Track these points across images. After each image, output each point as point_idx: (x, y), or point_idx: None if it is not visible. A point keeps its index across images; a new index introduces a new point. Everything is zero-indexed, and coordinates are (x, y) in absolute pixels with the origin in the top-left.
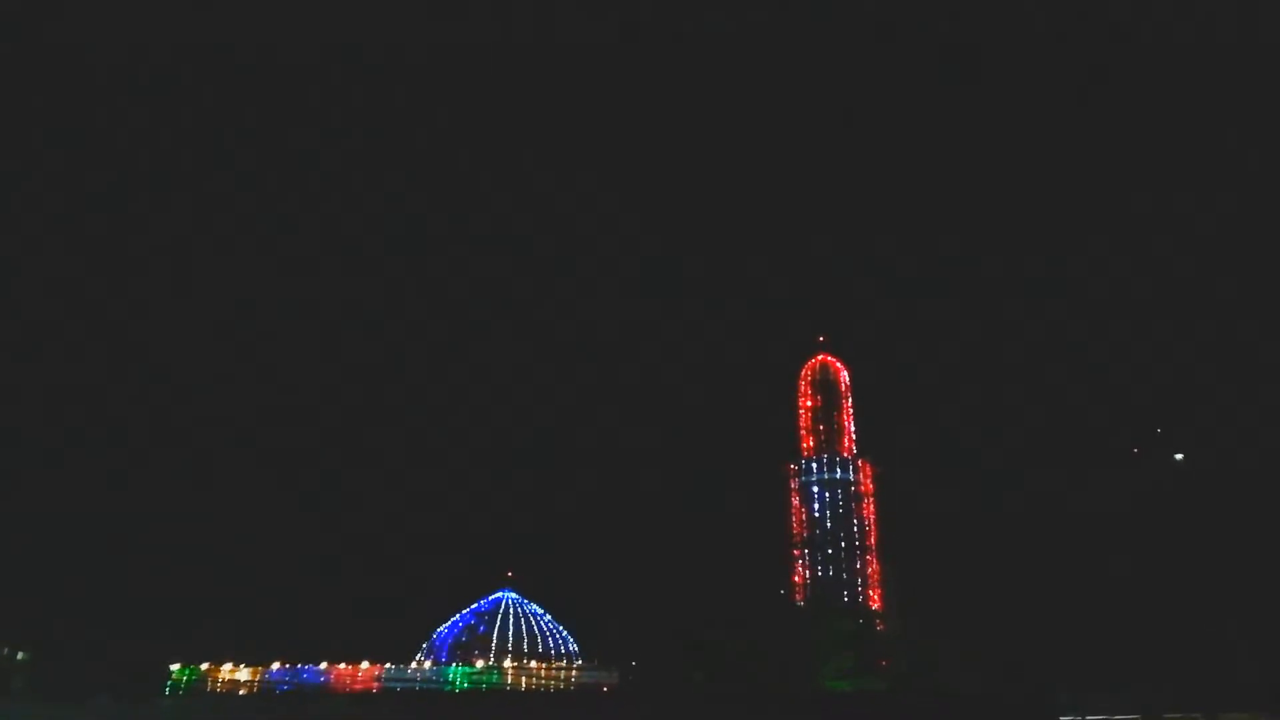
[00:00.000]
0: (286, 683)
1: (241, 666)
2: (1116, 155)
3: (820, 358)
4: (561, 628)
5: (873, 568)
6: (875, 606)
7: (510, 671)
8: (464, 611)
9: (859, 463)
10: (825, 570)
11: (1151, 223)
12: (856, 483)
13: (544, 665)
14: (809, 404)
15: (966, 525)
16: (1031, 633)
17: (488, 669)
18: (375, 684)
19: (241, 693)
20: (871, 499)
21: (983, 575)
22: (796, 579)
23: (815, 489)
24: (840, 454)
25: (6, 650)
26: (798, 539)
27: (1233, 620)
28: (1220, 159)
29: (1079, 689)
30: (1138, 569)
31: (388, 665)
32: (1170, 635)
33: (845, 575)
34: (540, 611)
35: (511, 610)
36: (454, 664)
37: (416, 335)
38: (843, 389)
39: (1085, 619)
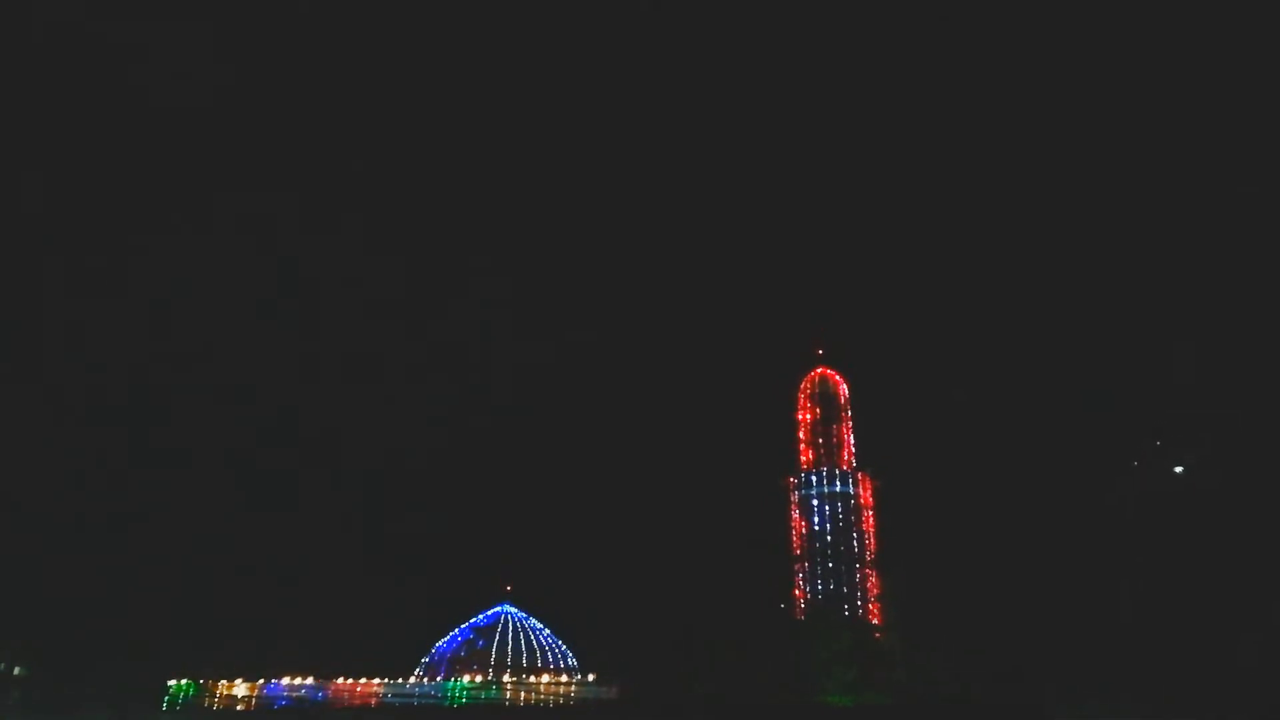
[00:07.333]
0: (285, 698)
1: (239, 681)
2: (1116, 166)
3: (819, 370)
4: (561, 642)
5: (873, 581)
6: (875, 620)
7: (509, 686)
8: (463, 626)
9: (859, 476)
10: (826, 584)
11: (1151, 233)
12: (856, 496)
13: (543, 680)
14: (808, 417)
15: (967, 538)
16: (1032, 644)
17: (487, 684)
18: (374, 699)
19: (240, 708)
20: (871, 512)
21: (983, 588)
22: (797, 593)
23: (815, 502)
24: (840, 467)
25: (3, 665)
26: (798, 553)
27: (1235, 629)
28: (1220, 167)
29: (1079, 699)
30: (1139, 581)
31: (386, 680)
32: (1171, 646)
33: (845, 589)
34: (539, 626)
35: (511, 625)
36: (453, 679)
37: (419, 346)
38: (842, 401)
39: (1086, 630)
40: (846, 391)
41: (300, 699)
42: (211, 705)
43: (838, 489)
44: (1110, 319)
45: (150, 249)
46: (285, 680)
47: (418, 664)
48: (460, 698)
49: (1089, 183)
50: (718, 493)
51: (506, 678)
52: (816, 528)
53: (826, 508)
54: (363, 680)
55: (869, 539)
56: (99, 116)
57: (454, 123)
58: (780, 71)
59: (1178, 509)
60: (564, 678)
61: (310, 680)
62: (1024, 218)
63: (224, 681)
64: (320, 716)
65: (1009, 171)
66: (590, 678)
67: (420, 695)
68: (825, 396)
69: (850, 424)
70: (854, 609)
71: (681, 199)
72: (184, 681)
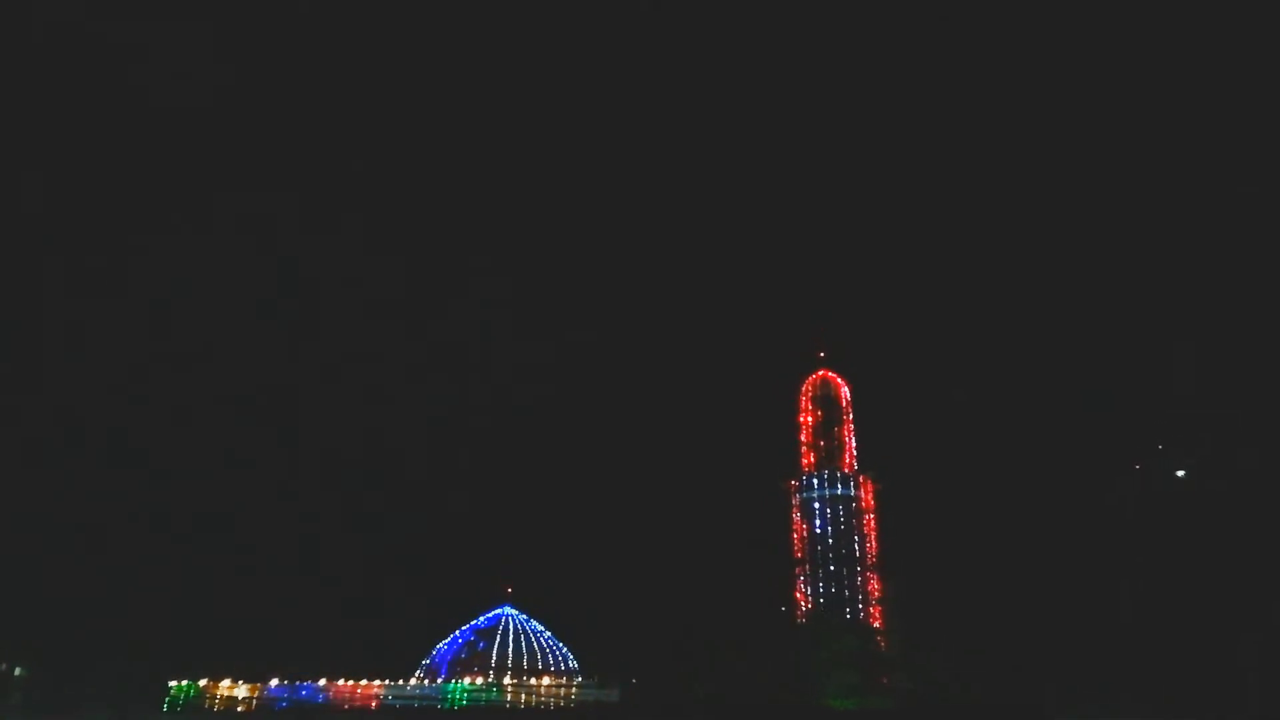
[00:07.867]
0: (285, 699)
1: (240, 683)
2: (1116, 167)
3: (820, 373)
4: (562, 644)
5: (874, 584)
6: (876, 623)
7: (510, 688)
8: (464, 628)
9: (860, 478)
10: (827, 587)
11: (1151, 234)
12: (858, 499)
13: (544, 682)
14: (809, 419)
15: (968, 540)
16: (1033, 647)
17: (488, 686)
18: (374, 701)
19: (240, 709)
20: (873, 515)
21: (984, 589)
22: (798, 596)
23: (816, 505)
24: (841, 470)
25: (4, 666)
26: (799, 555)
27: (1235, 629)
28: (1220, 167)
29: (1079, 699)
30: (1139, 581)
31: (387, 682)
32: (1171, 646)
33: (847, 592)
34: (540, 628)
35: (512, 627)
36: (454, 681)
37: (418, 346)
38: (843, 404)
39: (1086, 630)
40: (848, 394)
41: (300, 701)
42: (212, 707)
43: (839, 492)
44: (1111, 320)
45: (150, 249)
46: (286, 681)
47: (418, 666)
48: (461, 700)
49: (1089, 184)
50: (719, 495)
51: (507, 680)
52: (818, 530)
53: (828, 510)
54: (363, 682)
55: (870, 542)
56: (99, 116)
57: (453, 123)
58: (781, 73)
59: (1178, 510)
60: (565, 680)
61: (311, 681)
62: (1025, 219)
63: (225, 683)
64: (320, 718)
65: (1010, 173)
66: (592, 680)
67: (421, 697)
68: (827, 399)
69: (852, 426)
70: (855, 612)
71: (683, 200)
72: (185, 683)
